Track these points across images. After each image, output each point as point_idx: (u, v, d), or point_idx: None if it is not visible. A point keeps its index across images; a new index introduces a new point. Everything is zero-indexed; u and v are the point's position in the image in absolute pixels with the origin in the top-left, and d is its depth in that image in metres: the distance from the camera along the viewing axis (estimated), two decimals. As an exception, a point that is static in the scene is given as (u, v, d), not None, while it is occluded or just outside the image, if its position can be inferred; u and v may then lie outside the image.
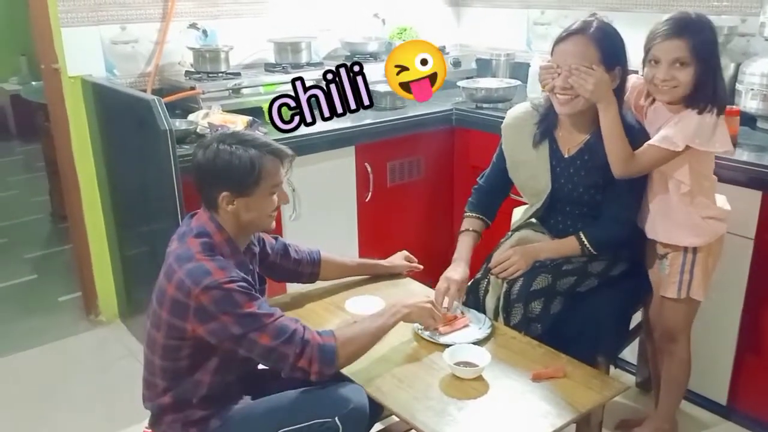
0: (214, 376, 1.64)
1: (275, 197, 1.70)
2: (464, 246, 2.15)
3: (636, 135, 1.92)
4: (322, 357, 1.57)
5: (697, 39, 1.81)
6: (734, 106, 2.44)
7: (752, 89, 2.46)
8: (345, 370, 1.68)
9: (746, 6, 2.72)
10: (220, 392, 1.66)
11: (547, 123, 2.07)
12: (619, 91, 1.94)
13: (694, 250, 1.96)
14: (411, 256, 2.20)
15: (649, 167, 1.91)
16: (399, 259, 2.20)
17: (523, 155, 2.12)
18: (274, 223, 1.76)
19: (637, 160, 1.88)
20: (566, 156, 2.05)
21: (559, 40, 1.94)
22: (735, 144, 2.32)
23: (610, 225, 2.01)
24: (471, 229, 2.19)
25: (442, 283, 1.99)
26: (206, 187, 1.66)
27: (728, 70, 2.58)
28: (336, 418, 1.57)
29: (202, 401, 1.65)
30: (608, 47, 1.90)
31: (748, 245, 2.21)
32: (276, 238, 1.98)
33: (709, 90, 1.84)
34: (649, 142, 1.88)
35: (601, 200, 2.01)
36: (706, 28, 1.84)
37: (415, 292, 2.08)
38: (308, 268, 2.02)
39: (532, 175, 2.11)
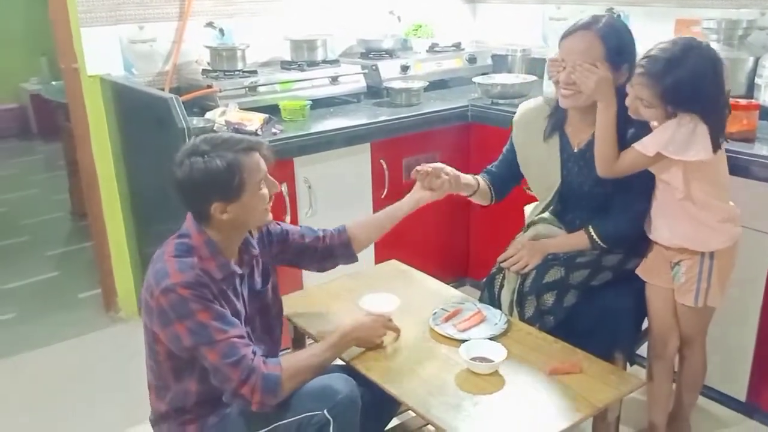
0: (200, 385, 1.62)
1: (265, 190, 1.64)
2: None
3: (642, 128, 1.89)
4: (265, 387, 1.54)
5: (668, 84, 1.74)
6: (753, 100, 2.41)
7: (771, 83, 2.43)
8: (358, 365, 1.69)
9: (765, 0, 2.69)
10: (214, 397, 1.64)
11: (557, 117, 2.07)
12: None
13: (711, 255, 1.90)
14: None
15: (627, 169, 1.88)
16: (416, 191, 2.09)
17: (533, 149, 2.12)
18: (270, 215, 1.70)
19: (619, 161, 1.87)
20: (575, 150, 2.05)
21: (567, 34, 1.94)
22: (754, 139, 2.30)
23: (619, 219, 1.99)
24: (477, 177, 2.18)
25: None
26: (195, 203, 1.61)
27: (747, 63, 2.55)
28: (324, 411, 1.55)
29: (196, 407, 1.65)
30: (614, 44, 1.88)
31: (767, 240, 2.19)
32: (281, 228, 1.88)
33: (688, 103, 1.77)
34: (633, 144, 1.86)
35: (612, 193, 1.99)
36: (685, 62, 1.74)
37: (432, 290, 2.09)
38: (336, 240, 1.92)
39: (542, 169, 2.10)
